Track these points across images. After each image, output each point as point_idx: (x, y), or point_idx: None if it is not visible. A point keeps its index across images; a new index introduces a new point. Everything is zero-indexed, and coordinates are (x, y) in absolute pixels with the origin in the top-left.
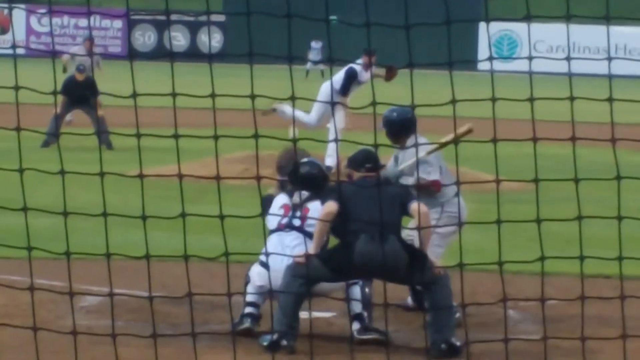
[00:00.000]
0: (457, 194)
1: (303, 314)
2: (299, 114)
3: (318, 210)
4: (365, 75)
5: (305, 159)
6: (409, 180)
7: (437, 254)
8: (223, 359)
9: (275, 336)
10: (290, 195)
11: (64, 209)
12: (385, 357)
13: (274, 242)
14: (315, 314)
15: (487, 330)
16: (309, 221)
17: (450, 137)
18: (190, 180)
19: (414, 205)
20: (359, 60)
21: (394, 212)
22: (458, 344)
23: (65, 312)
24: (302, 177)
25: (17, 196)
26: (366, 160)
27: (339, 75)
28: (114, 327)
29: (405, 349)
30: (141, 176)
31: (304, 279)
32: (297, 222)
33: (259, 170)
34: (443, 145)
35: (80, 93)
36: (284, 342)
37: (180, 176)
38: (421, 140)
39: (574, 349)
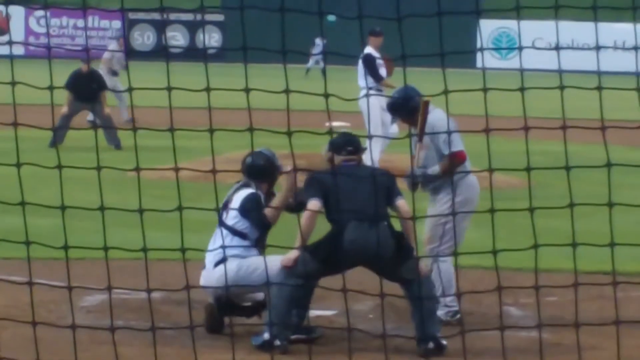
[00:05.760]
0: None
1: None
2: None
3: (240, 199)
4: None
5: (256, 150)
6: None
7: (448, 250)
8: (223, 359)
9: (267, 336)
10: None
11: (61, 202)
12: (384, 356)
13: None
14: (316, 312)
15: (486, 327)
16: (231, 213)
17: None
18: (188, 181)
19: (400, 202)
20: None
21: (380, 199)
22: (444, 342)
23: (65, 312)
24: (248, 167)
25: (17, 196)
26: (347, 143)
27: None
28: (114, 326)
29: (405, 345)
30: (138, 169)
31: (298, 277)
32: (224, 216)
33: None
34: (422, 127)
35: (86, 86)
36: (277, 343)
37: (177, 169)
38: (436, 112)
39: (574, 345)
